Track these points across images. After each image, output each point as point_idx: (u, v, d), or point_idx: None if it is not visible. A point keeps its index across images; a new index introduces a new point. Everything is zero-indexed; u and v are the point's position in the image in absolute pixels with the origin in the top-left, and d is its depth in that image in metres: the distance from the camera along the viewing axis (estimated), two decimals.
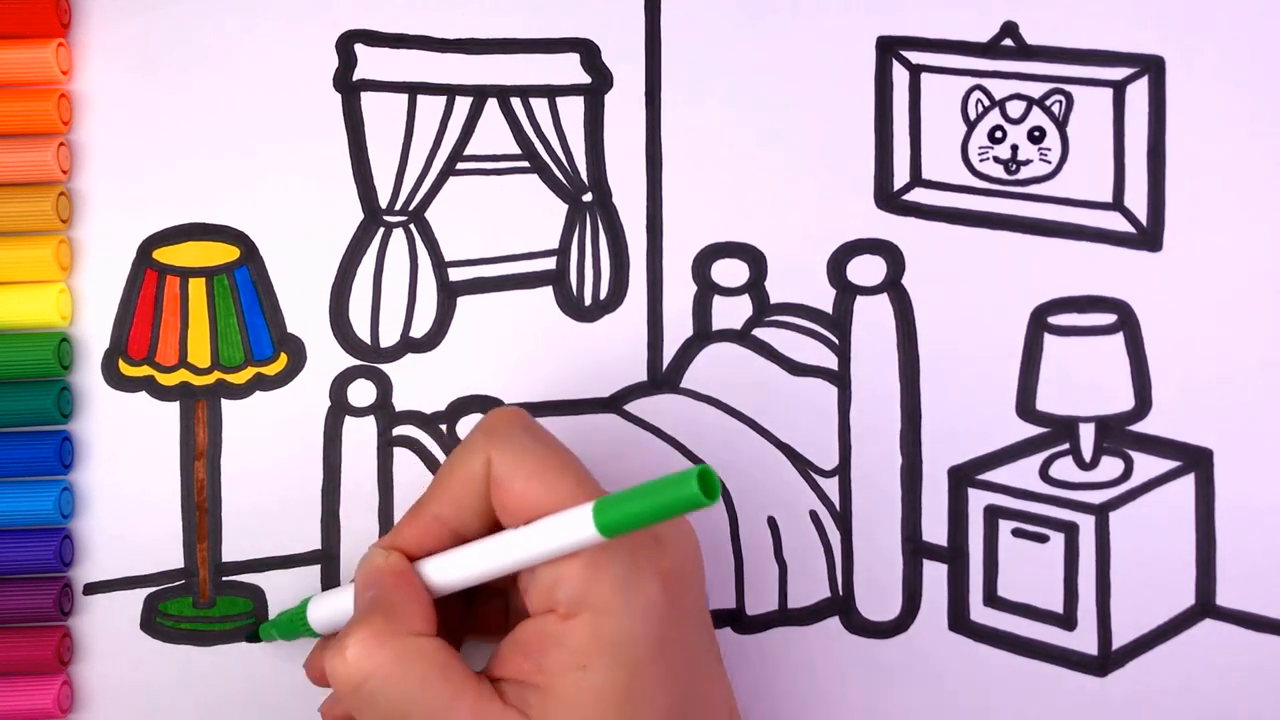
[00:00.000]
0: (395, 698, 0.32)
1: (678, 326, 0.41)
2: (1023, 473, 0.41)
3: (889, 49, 0.41)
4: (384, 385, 0.41)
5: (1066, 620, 0.40)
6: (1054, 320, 0.40)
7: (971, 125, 0.41)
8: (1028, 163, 0.41)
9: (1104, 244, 0.41)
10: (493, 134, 0.41)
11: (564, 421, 0.41)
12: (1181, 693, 0.40)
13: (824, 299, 0.41)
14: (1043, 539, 0.40)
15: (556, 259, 0.41)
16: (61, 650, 0.40)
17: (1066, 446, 0.41)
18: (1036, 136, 0.41)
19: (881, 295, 0.41)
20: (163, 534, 0.40)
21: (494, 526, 0.35)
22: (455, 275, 0.41)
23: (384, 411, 0.41)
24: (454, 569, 0.35)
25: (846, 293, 0.41)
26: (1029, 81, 0.41)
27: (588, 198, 0.41)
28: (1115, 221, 0.41)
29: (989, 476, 0.41)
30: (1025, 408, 0.41)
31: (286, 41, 0.41)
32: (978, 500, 0.41)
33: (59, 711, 0.39)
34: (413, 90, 0.41)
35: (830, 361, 0.41)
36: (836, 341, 0.41)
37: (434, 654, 0.33)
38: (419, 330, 0.41)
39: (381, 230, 0.41)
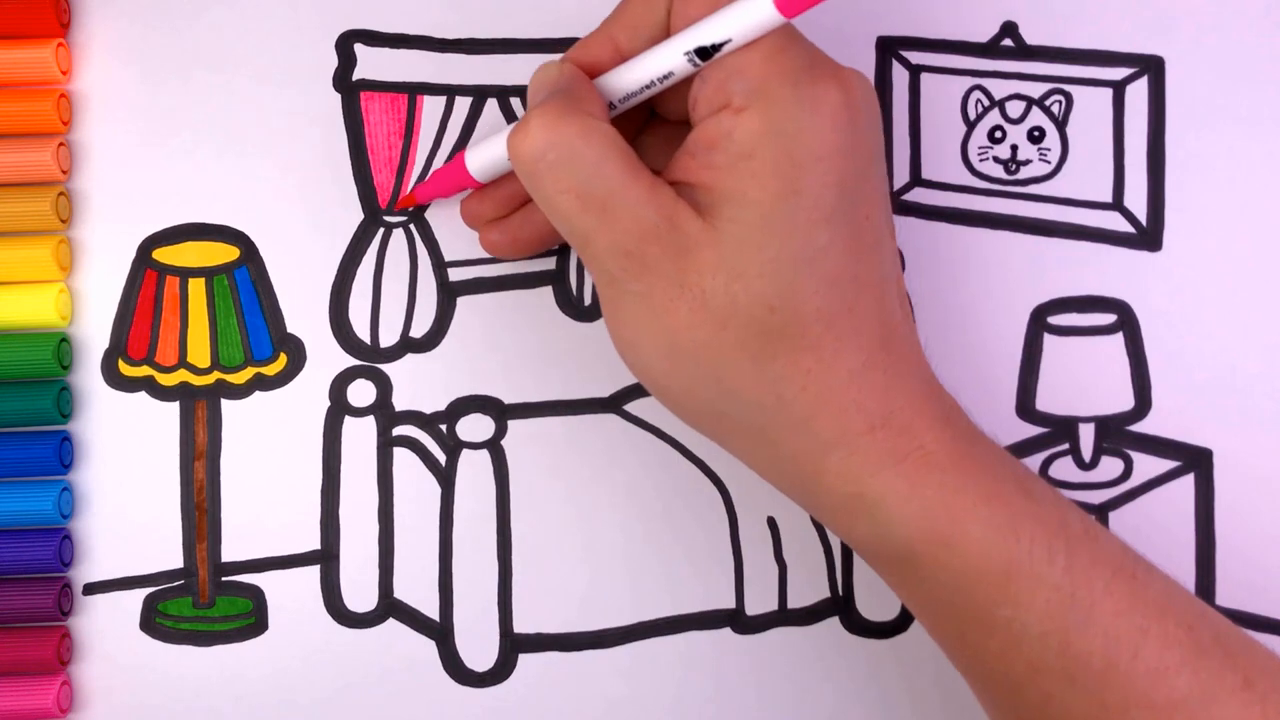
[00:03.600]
0: (574, 173, 0.32)
1: None
2: None
3: (889, 49, 0.41)
4: (384, 385, 0.41)
5: None
6: (1054, 320, 0.40)
7: (971, 125, 0.41)
8: (1027, 163, 0.41)
9: (1103, 244, 0.41)
10: None
11: (564, 421, 0.41)
12: None
13: None
14: None
15: (556, 259, 0.41)
16: (61, 650, 0.40)
17: (1066, 446, 0.41)
18: (1036, 136, 0.41)
19: None
20: (162, 534, 0.40)
21: None
22: (455, 275, 0.41)
23: (384, 411, 0.41)
24: (627, 71, 0.34)
25: None
26: (1029, 81, 0.41)
27: None
28: (1115, 221, 0.41)
29: None
30: (1025, 408, 0.41)
31: (286, 41, 0.41)
32: None
33: (59, 711, 0.39)
34: (413, 90, 0.41)
35: None
36: None
37: (614, 138, 0.32)
38: (419, 330, 0.41)
39: (381, 230, 0.41)
